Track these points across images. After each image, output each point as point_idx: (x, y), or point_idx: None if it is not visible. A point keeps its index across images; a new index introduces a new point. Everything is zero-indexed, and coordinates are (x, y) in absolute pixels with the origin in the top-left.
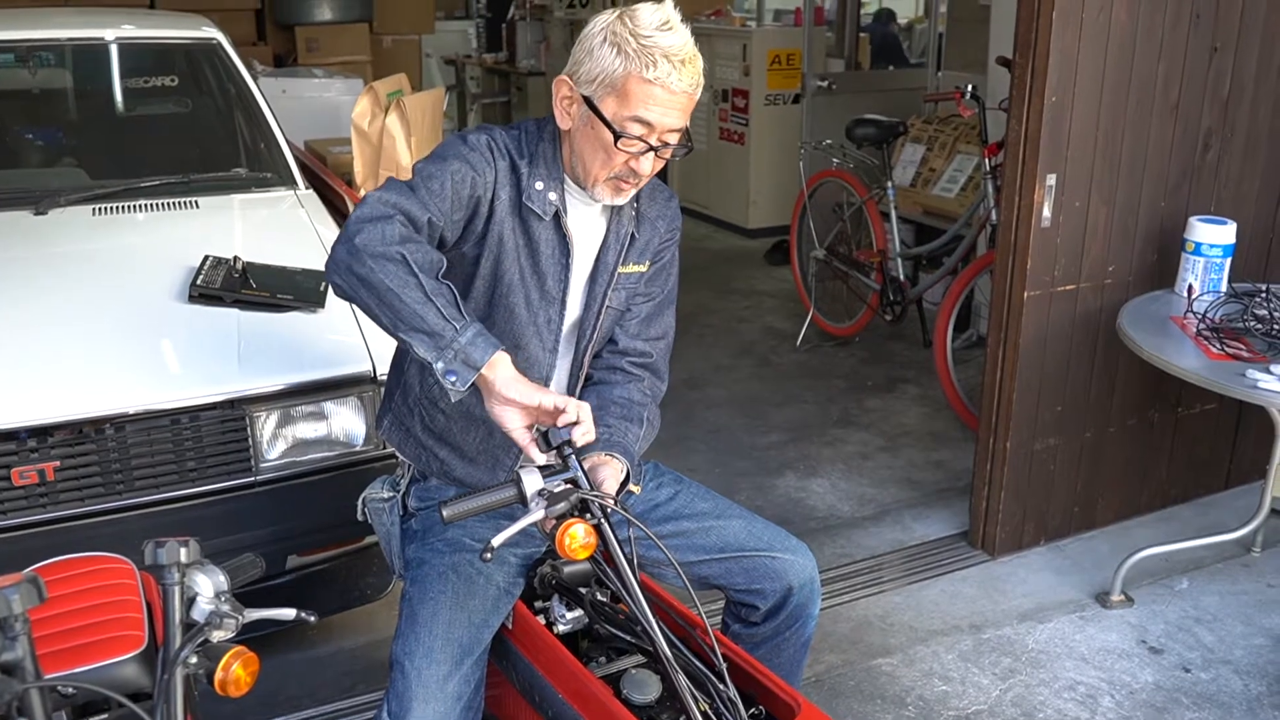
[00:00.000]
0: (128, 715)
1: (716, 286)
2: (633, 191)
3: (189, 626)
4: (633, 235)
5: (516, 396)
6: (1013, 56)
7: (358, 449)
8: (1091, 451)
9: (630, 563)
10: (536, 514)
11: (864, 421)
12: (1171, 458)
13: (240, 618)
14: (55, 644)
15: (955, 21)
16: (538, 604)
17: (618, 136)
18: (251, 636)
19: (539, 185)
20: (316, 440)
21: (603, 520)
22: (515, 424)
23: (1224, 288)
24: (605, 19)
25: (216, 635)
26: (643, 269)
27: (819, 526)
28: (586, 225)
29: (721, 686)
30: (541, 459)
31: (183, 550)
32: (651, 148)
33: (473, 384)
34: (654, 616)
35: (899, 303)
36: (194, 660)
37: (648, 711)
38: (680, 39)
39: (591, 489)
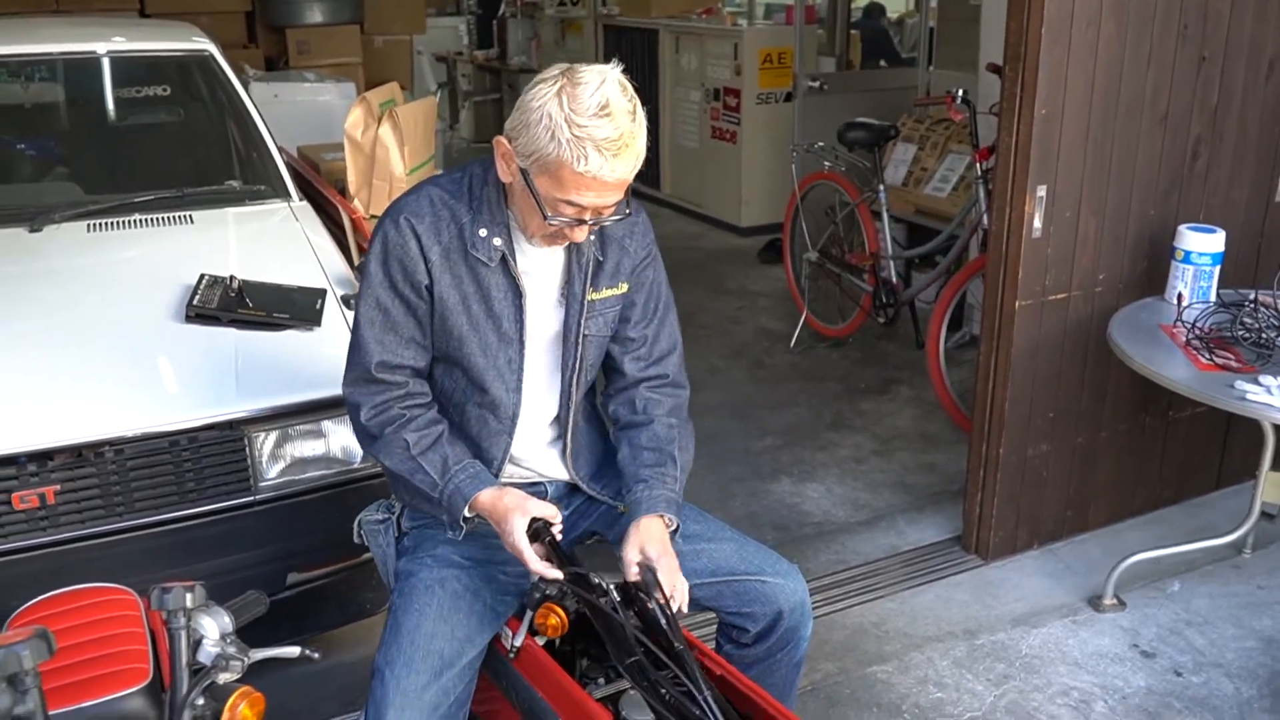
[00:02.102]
0: None
1: (710, 286)
2: (566, 243)
3: (196, 669)
4: (597, 260)
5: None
6: (1002, 66)
7: (356, 466)
8: (1084, 456)
9: (625, 628)
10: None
11: (858, 424)
12: (1163, 461)
13: (246, 659)
14: (61, 678)
15: (946, 20)
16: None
17: (547, 216)
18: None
19: (483, 232)
20: (315, 459)
21: (582, 606)
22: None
23: (1213, 295)
24: (545, 92)
25: (223, 677)
26: (619, 291)
27: (814, 532)
28: (543, 262)
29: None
30: (538, 563)
31: (188, 595)
32: (584, 221)
33: (466, 525)
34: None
35: (891, 304)
36: (201, 702)
37: None
38: (616, 128)
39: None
